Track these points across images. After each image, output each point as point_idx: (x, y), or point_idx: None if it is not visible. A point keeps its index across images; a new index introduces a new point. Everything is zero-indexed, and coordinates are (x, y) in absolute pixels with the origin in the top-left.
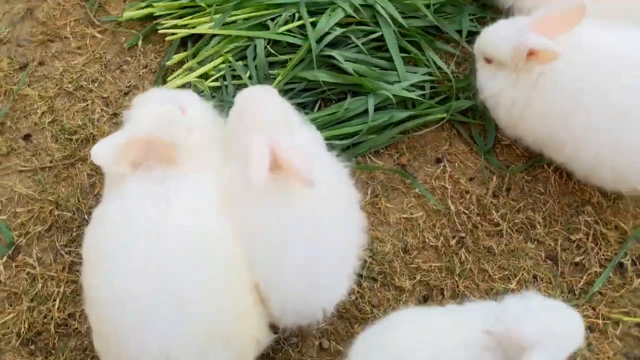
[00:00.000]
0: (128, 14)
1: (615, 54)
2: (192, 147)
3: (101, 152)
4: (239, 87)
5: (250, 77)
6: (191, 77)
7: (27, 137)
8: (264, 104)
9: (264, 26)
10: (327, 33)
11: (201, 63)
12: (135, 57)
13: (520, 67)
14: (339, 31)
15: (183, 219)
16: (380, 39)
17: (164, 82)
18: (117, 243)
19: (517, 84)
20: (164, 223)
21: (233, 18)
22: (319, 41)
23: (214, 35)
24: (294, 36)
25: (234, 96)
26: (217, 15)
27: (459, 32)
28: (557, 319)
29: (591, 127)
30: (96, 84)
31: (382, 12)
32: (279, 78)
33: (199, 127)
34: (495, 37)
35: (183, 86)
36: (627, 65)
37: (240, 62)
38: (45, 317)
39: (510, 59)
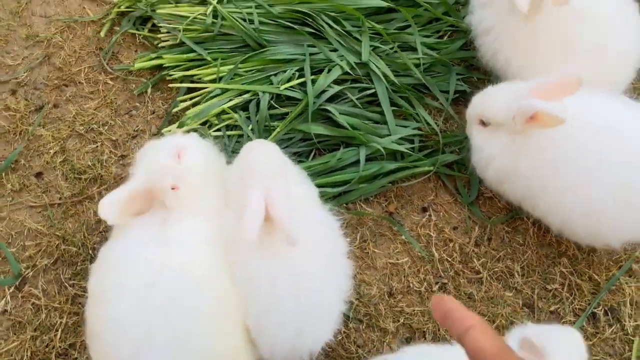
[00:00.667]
0: (139, 64)
1: (576, 118)
2: (187, 192)
3: (107, 209)
4: (240, 137)
5: (252, 130)
6: (194, 125)
7: (39, 175)
8: (264, 160)
9: (265, 80)
10: (325, 90)
11: (205, 112)
12: (144, 103)
13: (518, 131)
14: (336, 88)
15: (179, 261)
16: (374, 94)
17: (171, 126)
18: (118, 281)
19: (511, 148)
20: (162, 264)
21: (237, 71)
22: (317, 97)
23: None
24: (295, 91)
25: (234, 145)
26: (223, 68)
27: (447, 91)
28: (565, 335)
29: (563, 189)
30: (106, 127)
31: (376, 70)
32: (278, 130)
33: (194, 173)
34: (495, 101)
35: (187, 132)
36: (585, 130)
37: (242, 113)
38: (47, 346)
39: (510, 123)
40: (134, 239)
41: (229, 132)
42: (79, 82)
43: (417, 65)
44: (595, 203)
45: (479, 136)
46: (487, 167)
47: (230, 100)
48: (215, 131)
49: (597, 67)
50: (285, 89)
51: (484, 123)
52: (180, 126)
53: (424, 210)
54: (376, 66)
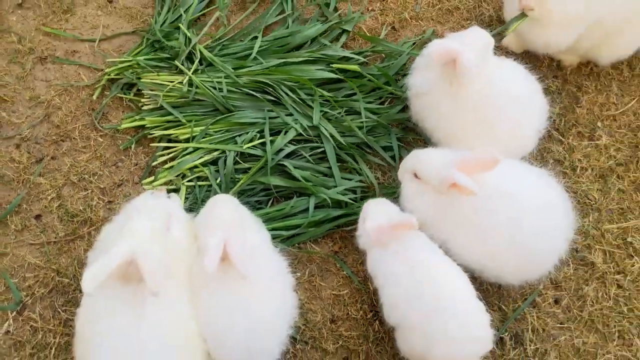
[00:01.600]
0: (125, 124)
1: (490, 183)
2: (172, 262)
3: (90, 284)
4: (209, 187)
5: (219, 183)
6: (171, 177)
7: (38, 217)
8: (224, 211)
9: (232, 140)
10: (282, 149)
11: (181, 165)
12: (129, 156)
13: (442, 192)
14: (291, 147)
15: (154, 314)
16: (324, 152)
17: (150, 177)
18: (99, 329)
19: (434, 202)
20: (139, 319)
21: (208, 131)
22: (276, 154)
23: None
24: (257, 149)
25: (204, 194)
26: (196, 128)
27: (385, 148)
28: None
29: (471, 241)
30: (96, 177)
31: (325, 132)
32: (242, 181)
33: (179, 244)
34: (428, 163)
35: (164, 183)
36: (496, 194)
37: (212, 167)
38: None
39: (436, 184)
40: (113, 298)
41: (200, 183)
42: (74, 138)
43: (360, 127)
44: (497, 253)
45: (409, 186)
46: (413, 213)
47: (201, 157)
48: (188, 181)
49: (510, 139)
50: (248, 147)
51: (416, 176)
52: (157, 178)
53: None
54: (325, 129)
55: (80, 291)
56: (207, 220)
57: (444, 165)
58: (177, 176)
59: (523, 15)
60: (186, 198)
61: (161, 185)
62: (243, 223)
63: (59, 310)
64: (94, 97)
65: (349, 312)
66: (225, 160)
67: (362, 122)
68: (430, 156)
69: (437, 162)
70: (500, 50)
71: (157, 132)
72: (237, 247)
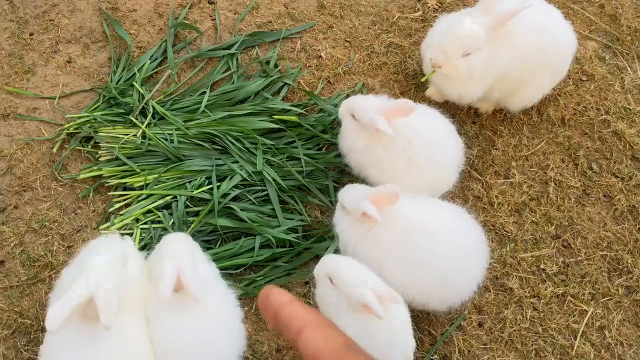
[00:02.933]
0: (83, 175)
1: (407, 217)
2: (128, 295)
3: (53, 322)
4: (164, 229)
5: (172, 225)
6: (127, 220)
7: (1, 263)
8: (177, 243)
9: (182, 186)
10: (228, 193)
11: (134, 210)
12: (87, 204)
13: (358, 219)
14: (237, 191)
15: (110, 347)
16: (267, 195)
17: (108, 222)
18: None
19: (354, 229)
20: (95, 353)
21: (161, 179)
22: (223, 197)
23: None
24: (205, 194)
25: (158, 236)
26: (150, 177)
27: (322, 189)
28: None
29: (396, 271)
30: (56, 224)
31: (268, 176)
32: (193, 224)
33: (134, 279)
34: (347, 198)
35: (120, 228)
36: (413, 227)
37: (165, 211)
38: None
39: (352, 213)
40: (68, 341)
41: (154, 226)
42: (35, 188)
43: (300, 172)
44: (422, 282)
45: (340, 214)
46: (341, 241)
47: (155, 202)
48: (143, 224)
49: (431, 176)
50: (197, 192)
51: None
52: (113, 223)
53: (306, 283)
54: (268, 173)
55: (42, 331)
56: (161, 253)
57: (358, 199)
58: (132, 220)
59: (434, 70)
60: (141, 239)
61: (117, 229)
62: (195, 255)
63: (22, 350)
64: (54, 150)
65: None
66: (177, 205)
67: (302, 167)
68: (348, 192)
69: (351, 197)
70: (424, 100)
71: (113, 181)
72: (189, 274)
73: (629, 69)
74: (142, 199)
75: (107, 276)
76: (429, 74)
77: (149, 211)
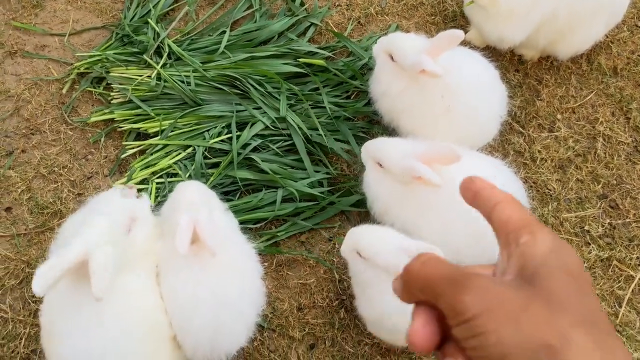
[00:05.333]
0: (94, 118)
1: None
2: (131, 257)
3: (40, 285)
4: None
5: (189, 177)
6: (146, 174)
7: (8, 210)
8: (192, 193)
9: (200, 135)
10: (248, 143)
11: (152, 164)
12: (98, 149)
13: (405, 182)
14: (258, 141)
15: (115, 307)
16: (293, 144)
17: (120, 170)
18: (60, 326)
19: (396, 191)
20: (100, 312)
21: (177, 125)
22: (244, 147)
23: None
24: (225, 143)
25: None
26: (165, 122)
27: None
28: None
29: (433, 232)
30: (65, 170)
31: (293, 124)
32: (212, 177)
33: (140, 243)
34: (391, 153)
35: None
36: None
37: (181, 163)
38: (12, 352)
39: (400, 175)
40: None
41: (170, 180)
42: (44, 132)
43: (326, 119)
44: (454, 246)
45: (372, 174)
46: (374, 202)
47: (173, 156)
48: (158, 177)
49: (471, 127)
50: (215, 142)
51: (380, 165)
52: (129, 179)
53: (329, 239)
54: (292, 120)
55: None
56: (175, 203)
57: (405, 156)
58: (149, 174)
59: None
60: (156, 195)
61: (134, 184)
62: (211, 205)
63: (29, 301)
64: (64, 90)
65: (316, 300)
66: (195, 156)
67: (328, 116)
68: (394, 145)
69: (397, 152)
70: (465, 44)
71: (126, 126)
72: (206, 226)
73: None
74: (157, 150)
75: (107, 240)
76: (468, 2)
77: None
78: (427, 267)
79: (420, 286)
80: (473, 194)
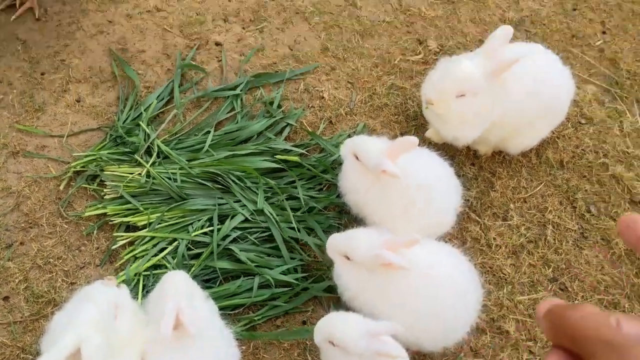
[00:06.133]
0: (88, 212)
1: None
2: (118, 344)
3: None
4: (166, 271)
5: (173, 267)
6: (140, 269)
7: (5, 299)
8: (176, 283)
9: (184, 228)
10: (228, 234)
11: (138, 253)
12: (91, 241)
13: (373, 269)
14: (238, 232)
15: None
16: (268, 235)
17: (110, 261)
18: None
19: (358, 278)
20: None
21: (165, 217)
22: (224, 238)
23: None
24: (206, 236)
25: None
26: (153, 215)
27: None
28: None
29: (391, 312)
30: (60, 260)
31: (269, 215)
32: (194, 268)
33: (125, 330)
34: (358, 245)
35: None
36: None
37: (167, 255)
38: None
39: (367, 264)
40: None
41: (154, 272)
42: (41, 225)
43: (297, 210)
44: (414, 325)
45: (340, 267)
46: (345, 291)
47: (157, 243)
48: (145, 271)
49: (429, 219)
50: (197, 235)
51: (347, 257)
52: (128, 270)
53: (304, 322)
54: (269, 212)
55: None
56: (161, 291)
57: (373, 246)
58: (143, 268)
59: (427, 107)
60: (143, 285)
61: (117, 279)
62: (193, 294)
63: None
64: (61, 187)
65: None
66: (178, 248)
67: (302, 206)
68: (357, 237)
69: (365, 242)
70: (424, 142)
71: (117, 219)
72: (188, 313)
73: (627, 112)
74: (146, 242)
75: (97, 327)
76: (425, 107)
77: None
78: (587, 322)
79: (571, 337)
80: (636, 239)
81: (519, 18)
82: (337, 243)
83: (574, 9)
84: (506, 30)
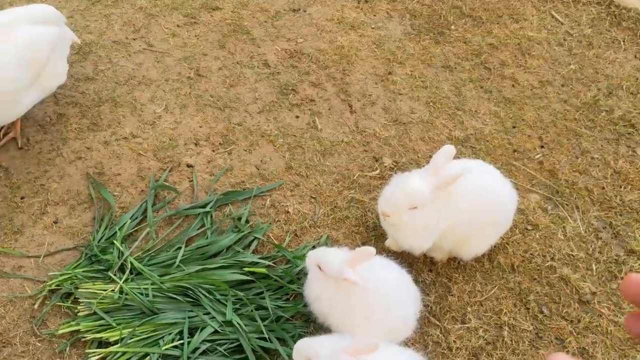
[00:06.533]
0: (62, 330)
1: None
2: None
3: None
4: None
5: None
6: None
7: None
8: None
9: (156, 342)
10: (198, 347)
11: None
12: (63, 358)
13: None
14: (207, 345)
15: None
16: (237, 345)
17: None
18: None
19: None
20: None
21: (136, 332)
22: (194, 351)
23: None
24: (176, 349)
25: None
26: (125, 331)
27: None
28: None
29: None
30: None
31: (238, 326)
32: None
33: None
34: (321, 351)
35: None
36: None
37: None
38: None
39: None
40: None
41: None
42: (15, 344)
43: (265, 319)
44: None
45: None
46: None
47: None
48: None
49: (390, 325)
50: (167, 350)
51: None
52: None
53: None
54: (238, 323)
55: None
56: None
57: (334, 353)
58: None
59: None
60: None
61: None
62: None
63: None
64: (36, 306)
65: None
66: None
67: (270, 318)
68: (319, 346)
69: (326, 350)
70: (384, 250)
71: (90, 336)
72: None
73: (569, 218)
74: (117, 357)
75: None
76: (383, 220)
77: None
78: None
79: None
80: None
81: (464, 136)
82: (302, 350)
83: (514, 127)
84: (449, 148)
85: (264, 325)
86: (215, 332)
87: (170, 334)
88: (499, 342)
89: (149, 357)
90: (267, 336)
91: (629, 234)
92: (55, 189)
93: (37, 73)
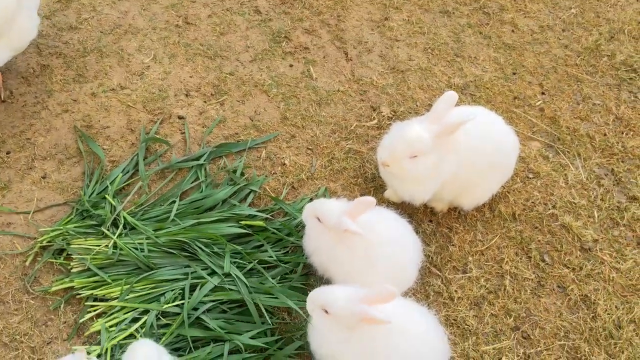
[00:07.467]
0: (55, 287)
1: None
2: None
3: None
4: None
5: (141, 337)
6: (115, 341)
7: None
8: (144, 351)
9: (155, 298)
10: (198, 307)
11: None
12: (58, 315)
13: (353, 325)
14: (208, 302)
15: None
16: (236, 300)
17: (78, 334)
18: None
19: (339, 337)
20: None
21: (135, 288)
22: (195, 309)
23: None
24: (177, 306)
25: None
26: (124, 286)
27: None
28: None
29: None
30: (26, 337)
31: (236, 278)
32: (164, 338)
33: None
34: (337, 301)
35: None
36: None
37: (136, 324)
38: None
39: (347, 319)
40: None
41: (123, 342)
42: (7, 302)
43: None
44: None
45: (321, 323)
46: (319, 349)
47: (128, 313)
48: (111, 340)
49: (392, 275)
50: (168, 307)
51: (327, 312)
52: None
53: None
54: (236, 275)
55: None
56: (130, 354)
57: (352, 302)
58: (113, 343)
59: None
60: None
61: (87, 351)
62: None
63: None
64: (27, 263)
65: None
66: (148, 319)
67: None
68: (338, 293)
69: (344, 298)
70: (383, 201)
71: (85, 292)
72: None
73: (570, 165)
74: (116, 311)
75: None
76: (381, 169)
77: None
78: None
79: None
80: None
81: (463, 83)
82: (316, 296)
83: (514, 73)
84: (451, 95)
85: (266, 281)
86: (215, 287)
87: (172, 290)
88: (500, 291)
89: (148, 313)
90: (274, 286)
91: (631, 180)
92: (42, 143)
93: (0, 29)
